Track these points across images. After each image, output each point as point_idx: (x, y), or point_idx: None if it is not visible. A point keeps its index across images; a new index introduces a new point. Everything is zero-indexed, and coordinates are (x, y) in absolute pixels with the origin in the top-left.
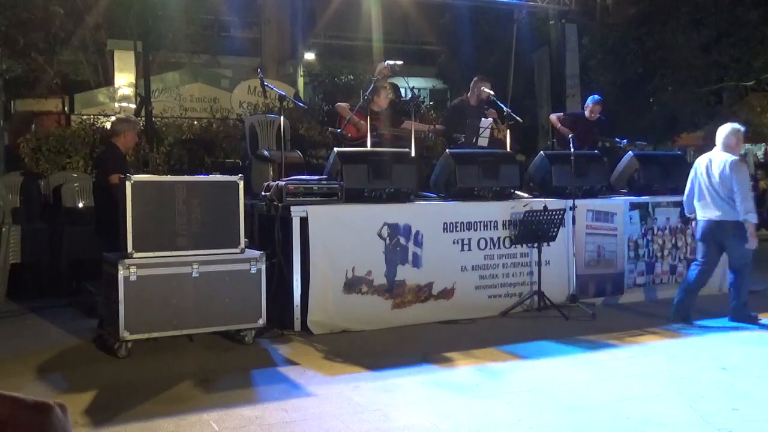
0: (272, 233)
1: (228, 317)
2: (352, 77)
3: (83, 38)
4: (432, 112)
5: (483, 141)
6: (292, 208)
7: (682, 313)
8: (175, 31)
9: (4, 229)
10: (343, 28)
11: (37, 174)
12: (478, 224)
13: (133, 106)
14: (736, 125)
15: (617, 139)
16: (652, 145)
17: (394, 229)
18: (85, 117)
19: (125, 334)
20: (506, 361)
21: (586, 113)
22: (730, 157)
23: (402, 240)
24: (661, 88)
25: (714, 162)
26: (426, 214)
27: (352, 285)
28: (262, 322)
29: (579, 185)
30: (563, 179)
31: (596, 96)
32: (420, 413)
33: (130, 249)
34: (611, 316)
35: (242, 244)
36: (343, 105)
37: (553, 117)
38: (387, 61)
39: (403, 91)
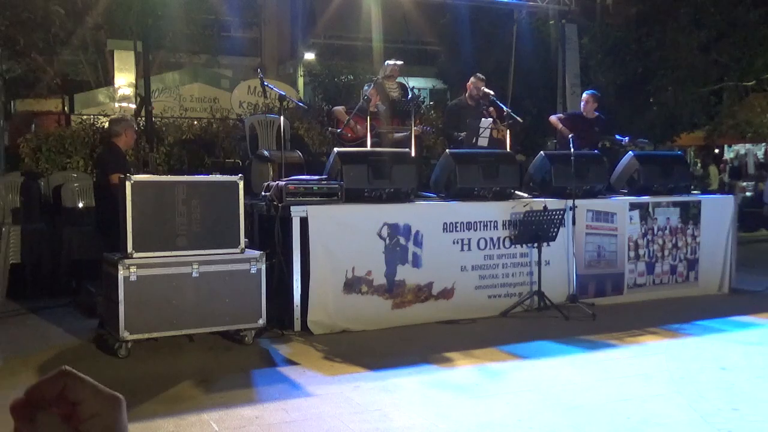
0: (272, 233)
1: (228, 317)
2: (352, 77)
3: (83, 38)
4: (432, 112)
5: (483, 141)
6: (292, 208)
7: None
8: (175, 31)
9: (4, 229)
10: (343, 28)
11: (37, 174)
12: (478, 224)
13: (133, 106)
14: None
15: (618, 137)
16: (652, 145)
17: (394, 229)
18: (85, 117)
19: (125, 334)
20: (506, 361)
21: (583, 110)
22: None
23: (402, 240)
24: (661, 88)
25: None
26: (426, 214)
27: (352, 285)
28: (262, 322)
29: (579, 185)
30: (563, 179)
31: (590, 90)
32: (420, 413)
33: (130, 249)
34: (611, 316)
35: (242, 244)
36: (339, 109)
37: (554, 118)
38: (387, 62)
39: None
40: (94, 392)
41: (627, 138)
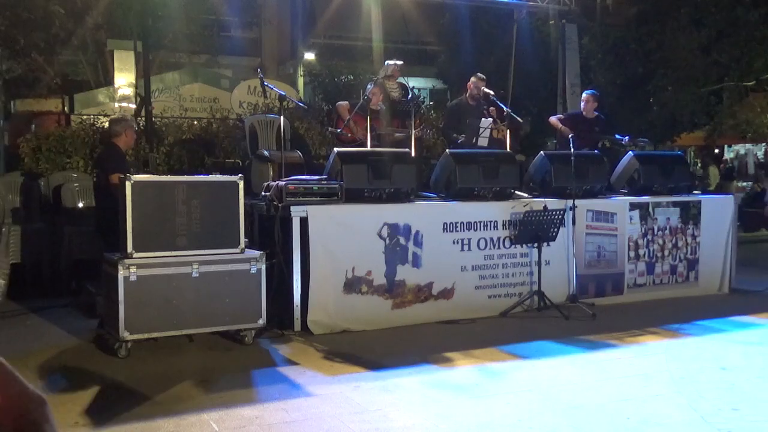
0: (272, 233)
1: (228, 317)
2: (352, 77)
3: (83, 38)
4: (432, 112)
5: (483, 141)
6: (292, 208)
7: None
8: (175, 31)
9: (4, 229)
10: (343, 28)
11: (37, 174)
12: (478, 224)
13: (133, 106)
14: None
15: (618, 137)
16: (652, 145)
17: (394, 229)
18: (85, 117)
19: (125, 334)
20: (506, 361)
21: (583, 110)
22: None
23: (402, 240)
24: (661, 88)
25: None
26: (426, 214)
27: (352, 285)
28: (262, 322)
29: (579, 185)
30: (563, 179)
31: (589, 90)
32: (420, 413)
33: (130, 249)
34: (611, 316)
35: (242, 244)
36: (343, 104)
37: (553, 119)
38: (387, 62)
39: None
40: (23, 390)
41: (627, 137)
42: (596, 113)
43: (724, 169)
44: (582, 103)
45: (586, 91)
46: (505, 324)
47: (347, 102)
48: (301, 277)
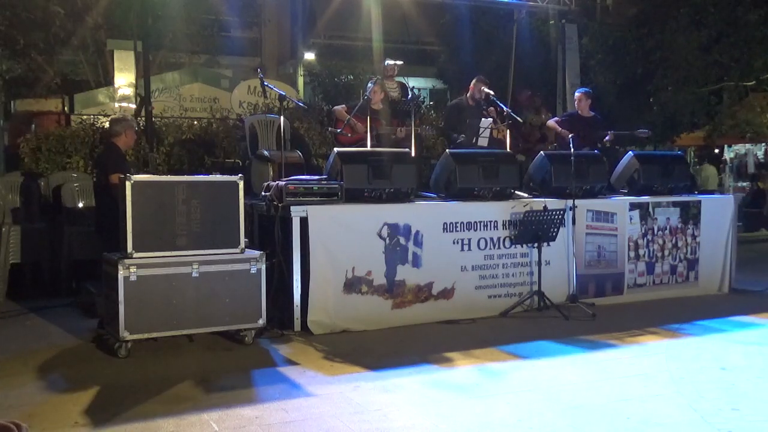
0: (272, 233)
1: (228, 317)
2: (352, 77)
3: (83, 38)
4: (432, 112)
5: (483, 141)
6: (292, 208)
7: None
8: (175, 31)
9: (4, 229)
10: (343, 28)
11: (37, 174)
12: (478, 224)
13: (133, 106)
14: None
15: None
16: (652, 144)
17: (394, 229)
18: (85, 117)
19: (125, 334)
20: (506, 361)
21: (578, 108)
22: None
23: (402, 240)
24: (661, 88)
25: None
26: (426, 214)
27: (352, 285)
28: (262, 322)
29: (579, 185)
30: (563, 179)
31: (581, 88)
32: (420, 413)
33: (130, 249)
34: (611, 316)
35: (242, 244)
36: (339, 108)
37: (551, 122)
38: (387, 61)
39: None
40: None
41: (610, 133)
42: (592, 112)
43: (725, 168)
44: (575, 103)
45: (577, 90)
46: (505, 324)
47: (344, 105)
48: (301, 277)
